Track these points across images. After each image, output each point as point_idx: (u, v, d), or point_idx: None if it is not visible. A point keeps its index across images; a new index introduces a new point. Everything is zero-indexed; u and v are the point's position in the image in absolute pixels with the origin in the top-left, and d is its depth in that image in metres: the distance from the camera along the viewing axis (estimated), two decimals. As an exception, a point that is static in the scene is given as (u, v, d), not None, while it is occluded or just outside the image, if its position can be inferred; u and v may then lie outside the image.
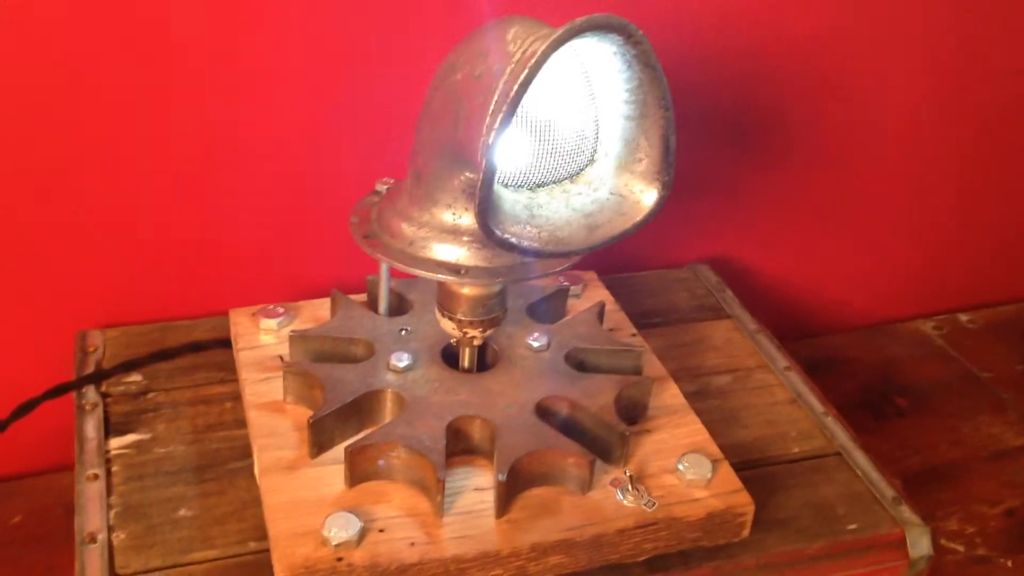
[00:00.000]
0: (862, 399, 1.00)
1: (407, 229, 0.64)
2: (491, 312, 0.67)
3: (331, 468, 0.66)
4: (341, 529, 0.61)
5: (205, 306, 0.88)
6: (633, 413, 0.72)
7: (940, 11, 0.97)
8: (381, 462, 0.64)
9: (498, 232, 0.55)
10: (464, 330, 0.68)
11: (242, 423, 0.75)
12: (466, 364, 0.71)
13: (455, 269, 0.62)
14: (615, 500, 0.65)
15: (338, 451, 0.67)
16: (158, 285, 0.87)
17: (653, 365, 0.77)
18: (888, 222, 1.09)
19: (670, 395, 0.74)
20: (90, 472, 0.71)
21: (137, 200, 0.83)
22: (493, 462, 0.66)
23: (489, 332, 0.68)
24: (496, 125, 0.52)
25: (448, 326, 0.68)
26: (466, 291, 0.66)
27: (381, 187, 0.70)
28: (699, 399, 0.80)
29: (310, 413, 0.69)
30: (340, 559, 0.60)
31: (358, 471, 0.65)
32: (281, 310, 0.79)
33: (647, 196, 0.59)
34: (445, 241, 0.63)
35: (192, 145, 0.83)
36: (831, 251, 1.09)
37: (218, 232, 0.87)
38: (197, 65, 0.80)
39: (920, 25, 0.98)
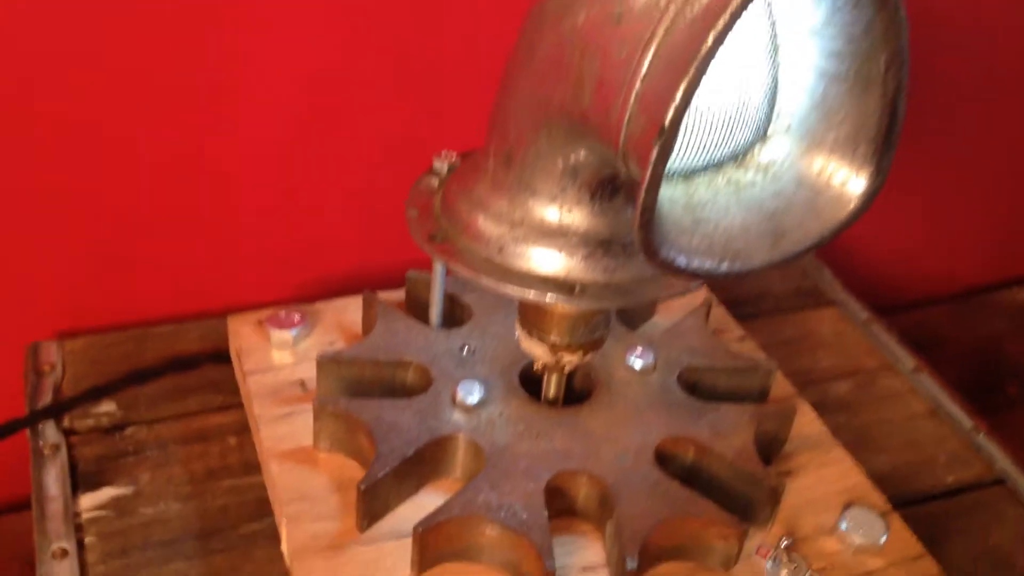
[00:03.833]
0: (966, 387, 0.85)
1: (493, 229, 0.46)
2: (595, 332, 0.51)
3: (390, 545, 0.49)
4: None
5: (189, 303, 0.69)
6: (768, 451, 0.56)
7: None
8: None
9: (663, 252, 0.37)
10: (559, 354, 0.51)
11: (253, 467, 0.58)
12: (552, 394, 0.54)
13: (567, 286, 0.45)
14: (765, 576, 0.50)
15: (396, 520, 0.50)
16: (128, 277, 0.68)
17: (778, 382, 0.61)
18: (973, 177, 0.93)
19: (806, 421, 0.59)
20: (56, 547, 0.53)
21: (99, 164, 0.63)
22: (603, 530, 0.50)
23: (589, 356, 0.52)
24: (677, 97, 0.34)
25: (538, 350, 0.51)
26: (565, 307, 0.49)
27: (440, 165, 0.52)
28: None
29: (351, 463, 0.53)
30: None
31: (430, 553, 0.48)
32: (297, 316, 0.61)
33: (853, 185, 0.41)
34: (548, 245, 0.45)
35: (174, 92, 0.62)
36: (914, 207, 0.93)
37: (203, 207, 0.67)
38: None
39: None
